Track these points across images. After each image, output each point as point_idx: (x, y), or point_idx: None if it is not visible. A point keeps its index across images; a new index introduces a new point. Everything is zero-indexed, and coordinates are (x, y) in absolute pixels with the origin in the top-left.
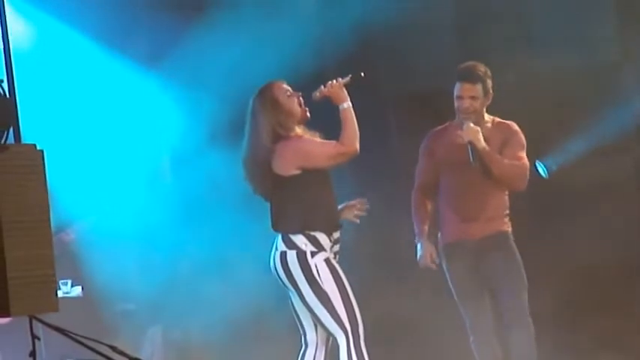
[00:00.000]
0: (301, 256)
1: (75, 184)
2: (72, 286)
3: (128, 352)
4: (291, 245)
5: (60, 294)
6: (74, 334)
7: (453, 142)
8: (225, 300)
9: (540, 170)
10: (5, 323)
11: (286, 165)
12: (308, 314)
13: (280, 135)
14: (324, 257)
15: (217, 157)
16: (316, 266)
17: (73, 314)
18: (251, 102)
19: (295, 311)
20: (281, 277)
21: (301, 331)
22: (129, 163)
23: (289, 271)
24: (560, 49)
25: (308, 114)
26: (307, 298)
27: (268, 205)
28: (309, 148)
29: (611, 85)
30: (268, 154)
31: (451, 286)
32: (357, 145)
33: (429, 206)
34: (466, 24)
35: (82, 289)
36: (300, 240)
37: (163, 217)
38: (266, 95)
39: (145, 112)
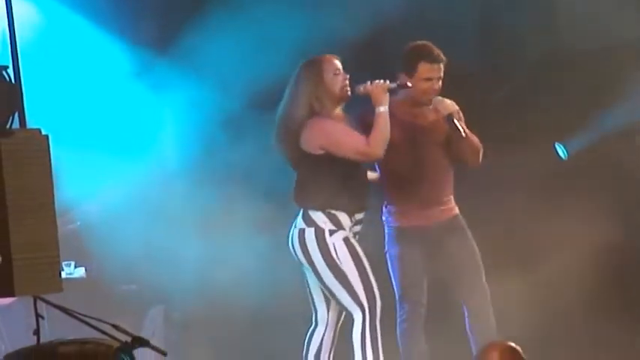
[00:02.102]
0: (319, 234)
1: (79, 168)
2: (75, 267)
3: (130, 331)
4: (310, 223)
5: (64, 275)
6: (78, 313)
7: (403, 122)
8: (226, 281)
9: (560, 152)
10: (10, 303)
11: (312, 143)
12: (321, 293)
13: (315, 111)
14: (342, 236)
15: (222, 138)
16: (334, 245)
17: (77, 294)
18: (298, 69)
19: (309, 289)
20: (298, 254)
21: (313, 309)
22: (133, 146)
23: (306, 248)
24: (580, 29)
25: (349, 96)
26: (324, 277)
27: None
28: (337, 135)
29: (631, 65)
30: (299, 127)
31: (395, 270)
32: (382, 151)
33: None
34: (489, 12)
35: (86, 270)
36: (319, 218)
37: (166, 197)
38: (313, 67)
39: (150, 98)
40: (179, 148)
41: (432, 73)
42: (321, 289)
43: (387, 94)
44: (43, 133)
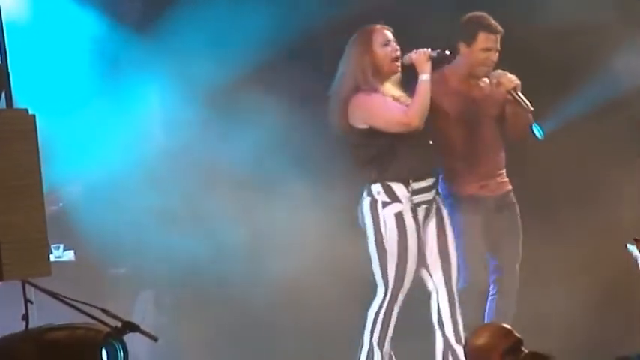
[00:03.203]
0: (373, 205)
1: (66, 148)
2: (64, 250)
3: (120, 315)
4: (369, 193)
5: (52, 258)
6: (67, 297)
7: (459, 92)
8: (218, 264)
9: (536, 132)
10: None
11: (356, 118)
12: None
13: (359, 83)
14: (395, 210)
15: (209, 118)
16: (385, 219)
17: (66, 278)
18: (350, 41)
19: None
20: (360, 222)
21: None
22: (120, 127)
23: (363, 217)
24: (555, 8)
25: (399, 69)
26: (369, 245)
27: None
28: (376, 108)
29: (606, 44)
30: (346, 101)
31: (457, 236)
32: (420, 121)
33: None
34: None
35: (75, 253)
36: (375, 189)
37: (155, 180)
38: (361, 38)
39: (137, 76)
40: (165, 128)
41: (490, 44)
42: None
43: (429, 62)
44: (30, 112)
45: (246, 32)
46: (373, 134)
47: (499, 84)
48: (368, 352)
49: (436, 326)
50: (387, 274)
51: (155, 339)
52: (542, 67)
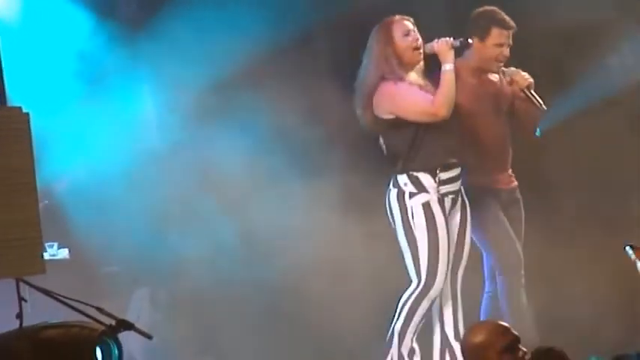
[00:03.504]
0: (400, 195)
1: (58, 147)
2: (58, 248)
3: (115, 314)
4: (395, 184)
5: (46, 256)
6: (61, 295)
7: (471, 86)
8: (211, 262)
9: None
10: None
11: (382, 108)
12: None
13: (384, 74)
14: (423, 200)
15: (203, 114)
16: (412, 209)
17: (60, 276)
18: (371, 33)
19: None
20: (387, 214)
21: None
22: (113, 126)
23: (391, 209)
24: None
25: (421, 58)
26: (399, 237)
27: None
28: (402, 98)
29: (601, 40)
30: (371, 92)
31: (478, 226)
32: (447, 111)
33: None
34: None
35: (69, 251)
36: (402, 180)
37: (149, 179)
38: (382, 29)
39: (129, 75)
40: (159, 126)
41: (502, 39)
42: None
43: (452, 51)
44: (24, 111)
45: (237, 32)
46: (399, 124)
47: (512, 82)
48: (388, 339)
49: (436, 322)
50: (418, 266)
51: (150, 337)
52: (540, 64)
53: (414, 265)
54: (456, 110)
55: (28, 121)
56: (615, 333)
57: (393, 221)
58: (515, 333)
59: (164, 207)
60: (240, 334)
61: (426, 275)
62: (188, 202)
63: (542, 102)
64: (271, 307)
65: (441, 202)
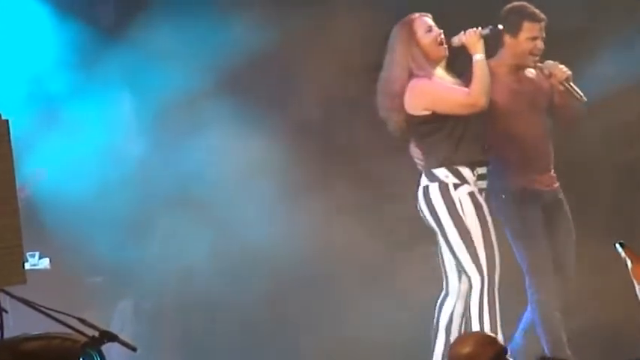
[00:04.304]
0: (443, 188)
1: (38, 154)
2: (40, 258)
3: (98, 324)
4: (433, 178)
5: (27, 266)
6: (42, 306)
7: (509, 88)
8: (196, 273)
9: None
10: None
11: (416, 106)
12: (453, 261)
13: (413, 72)
14: (468, 190)
15: (184, 124)
16: (460, 200)
17: (41, 287)
18: (392, 33)
19: (441, 255)
20: (425, 213)
21: (444, 277)
22: (95, 134)
23: (432, 205)
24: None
25: (446, 53)
26: (449, 234)
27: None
28: (438, 92)
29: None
30: (401, 90)
31: (513, 226)
32: (485, 100)
33: None
34: None
35: (50, 261)
36: (442, 173)
37: (132, 188)
38: (404, 28)
39: (110, 81)
40: (142, 134)
41: (535, 32)
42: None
43: (481, 41)
44: (3, 117)
45: (219, 38)
46: (436, 120)
47: (551, 75)
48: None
49: (442, 329)
50: (477, 259)
51: (134, 349)
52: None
53: (473, 260)
54: (493, 110)
55: (8, 127)
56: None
57: (437, 218)
58: (502, 343)
59: (147, 217)
60: (224, 345)
61: (487, 267)
62: (171, 213)
63: (582, 94)
64: (254, 317)
65: (479, 195)
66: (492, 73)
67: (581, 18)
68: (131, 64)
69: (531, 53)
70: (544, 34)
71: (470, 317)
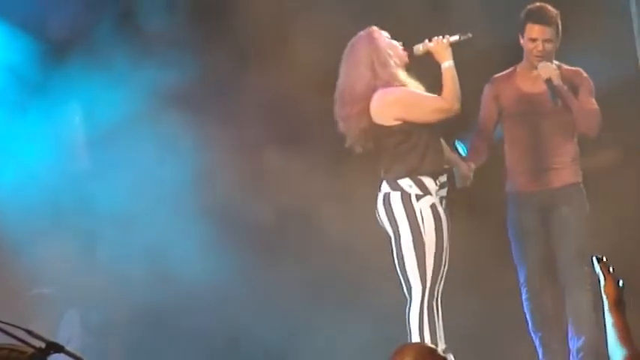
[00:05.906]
0: (406, 198)
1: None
2: None
3: (45, 336)
4: (396, 187)
5: None
6: None
7: (519, 91)
8: (146, 283)
9: (460, 149)
10: None
11: (386, 115)
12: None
13: (380, 79)
14: (430, 202)
15: (139, 136)
16: (421, 211)
17: None
18: (349, 45)
19: (400, 262)
20: (383, 219)
21: (405, 286)
22: (46, 146)
23: (392, 212)
24: None
25: (407, 58)
26: (403, 242)
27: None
28: (411, 99)
29: None
30: (366, 99)
31: (512, 234)
32: (459, 104)
33: (483, 150)
34: None
35: None
36: (405, 182)
37: (83, 198)
38: (364, 35)
39: (63, 94)
40: (93, 146)
41: (534, 34)
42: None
43: (449, 49)
44: None
45: (170, 52)
46: (403, 131)
47: (539, 74)
48: None
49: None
50: (424, 269)
51: None
52: None
53: (419, 270)
54: (505, 117)
55: None
56: None
57: (395, 225)
58: (443, 355)
59: (95, 227)
60: (173, 357)
61: (431, 279)
62: (123, 223)
63: (553, 96)
64: (204, 329)
65: (440, 204)
66: (512, 78)
67: None
68: (84, 77)
69: (530, 53)
70: (551, 37)
71: (410, 328)
